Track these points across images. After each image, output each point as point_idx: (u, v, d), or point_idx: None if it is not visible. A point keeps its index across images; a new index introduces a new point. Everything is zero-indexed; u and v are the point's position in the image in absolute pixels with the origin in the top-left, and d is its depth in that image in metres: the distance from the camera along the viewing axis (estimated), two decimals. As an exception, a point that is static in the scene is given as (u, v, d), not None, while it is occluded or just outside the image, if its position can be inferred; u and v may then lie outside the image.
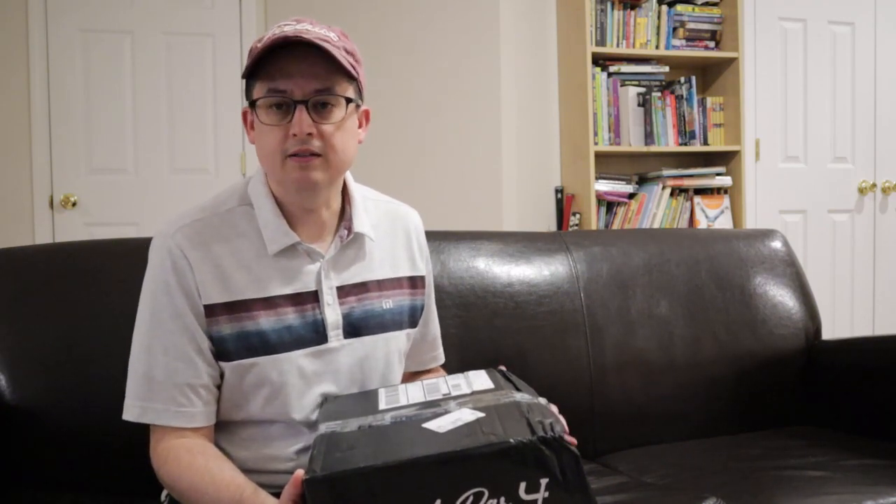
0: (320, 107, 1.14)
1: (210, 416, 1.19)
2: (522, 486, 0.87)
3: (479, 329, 1.78)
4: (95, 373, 1.48)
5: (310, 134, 1.12)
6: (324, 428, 1.01)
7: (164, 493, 1.26)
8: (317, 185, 1.16)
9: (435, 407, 1.02)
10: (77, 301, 1.55)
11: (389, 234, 1.32)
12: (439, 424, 0.95)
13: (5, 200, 3.45)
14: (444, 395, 1.07)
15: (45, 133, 3.47)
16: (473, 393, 1.06)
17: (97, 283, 1.57)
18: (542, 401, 1.03)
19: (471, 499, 0.87)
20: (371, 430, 0.98)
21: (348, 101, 1.16)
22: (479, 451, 0.87)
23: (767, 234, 2.18)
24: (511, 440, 0.88)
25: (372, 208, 1.31)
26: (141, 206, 3.55)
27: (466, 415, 0.97)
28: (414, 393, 1.10)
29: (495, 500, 0.87)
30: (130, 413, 1.17)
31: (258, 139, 1.17)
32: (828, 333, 2.16)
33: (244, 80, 1.17)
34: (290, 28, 1.13)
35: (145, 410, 1.16)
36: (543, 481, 0.88)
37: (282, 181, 1.17)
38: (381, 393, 1.14)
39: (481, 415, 0.96)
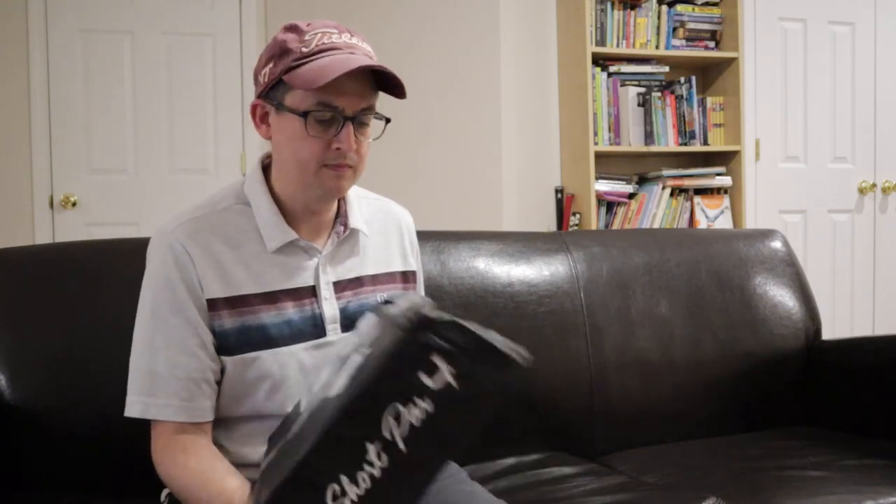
0: (360, 123, 1.17)
1: (211, 412, 1.19)
2: (423, 375, 0.85)
3: (479, 329, 1.77)
4: (95, 373, 1.48)
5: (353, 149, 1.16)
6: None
7: (164, 492, 1.27)
8: (342, 193, 1.21)
9: (342, 366, 1.01)
10: (77, 301, 1.55)
11: (382, 231, 1.34)
12: (337, 387, 0.95)
13: (5, 200, 3.45)
14: (354, 347, 1.05)
15: (45, 133, 3.47)
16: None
17: (97, 283, 1.57)
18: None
19: (392, 421, 0.86)
20: (300, 431, 0.99)
21: (387, 120, 1.21)
22: (361, 391, 0.86)
23: (767, 234, 2.18)
24: (385, 351, 0.86)
25: (365, 206, 1.34)
26: (141, 206, 3.55)
27: (355, 360, 0.96)
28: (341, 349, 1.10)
29: (413, 405, 0.86)
30: (133, 409, 1.17)
31: (291, 143, 1.17)
32: (828, 333, 2.16)
33: (275, 76, 1.16)
34: (337, 39, 1.15)
35: (148, 406, 1.16)
36: (437, 359, 0.85)
37: (309, 186, 1.19)
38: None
39: (368, 351, 0.95)
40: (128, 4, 3.55)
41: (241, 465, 1.17)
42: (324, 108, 1.13)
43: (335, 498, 0.87)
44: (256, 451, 1.21)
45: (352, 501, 0.87)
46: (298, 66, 1.13)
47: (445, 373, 0.85)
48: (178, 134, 3.63)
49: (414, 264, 1.39)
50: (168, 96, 3.61)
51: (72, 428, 1.46)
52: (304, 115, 1.13)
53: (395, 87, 1.17)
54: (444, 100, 3.68)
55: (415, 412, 0.85)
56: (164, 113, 3.61)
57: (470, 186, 3.68)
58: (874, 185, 4.21)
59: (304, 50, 1.13)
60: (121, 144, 3.57)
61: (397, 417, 0.86)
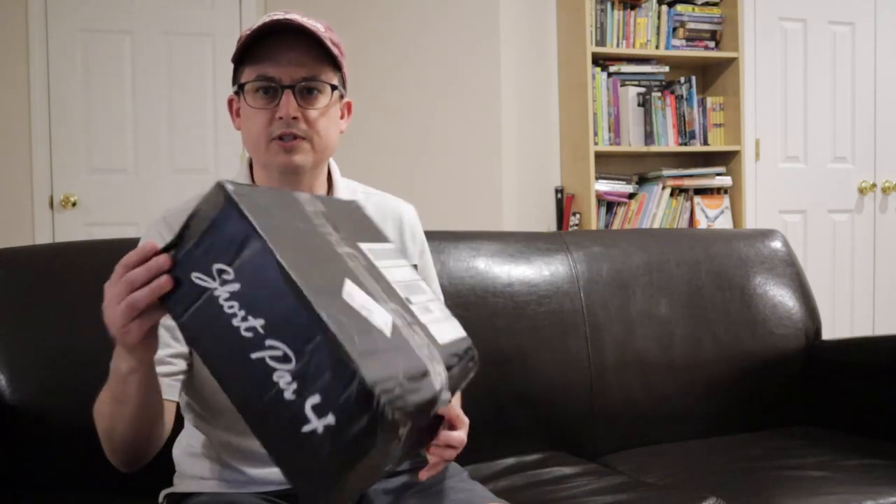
0: (306, 92, 1.17)
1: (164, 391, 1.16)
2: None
3: (479, 329, 1.77)
4: (95, 373, 1.47)
5: (295, 118, 1.16)
6: None
7: (163, 493, 1.27)
8: (300, 169, 1.20)
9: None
10: (77, 301, 1.55)
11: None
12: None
13: (5, 200, 3.45)
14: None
15: (45, 133, 3.47)
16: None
17: (97, 283, 1.55)
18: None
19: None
20: None
21: (333, 88, 1.20)
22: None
23: (767, 234, 2.18)
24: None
25: (361, 200, 1.33)
26: (141, 206, 3.55)
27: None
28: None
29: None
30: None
31: (244, 123, 1.21)
32: (828, 333, 2.16)
33: (233, 67, 1.21)
34: (279, 17, 1.17)
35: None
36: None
37: (266, 164, 1.21)
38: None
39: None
40: (128, 4, 3.55)
41: (250, 457, 1.19)
42: (261, 79, 1.16)
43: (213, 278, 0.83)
44: (249, 441, 1.20)
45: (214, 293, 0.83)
46: (241, 47, 1.17)
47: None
48: (178, 134, 3.62)
49: (416, 258, 1.36)
50: (168, 96, 3.61)
51: (72, 428, 1.46)
52: (242, 87, 1.17)
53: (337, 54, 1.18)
54: (444, 100, 3.68)
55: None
56: (164, 113, 3.61)
57: (470, 186, 3.68)
58: (874, 185, 4.21)
59: (248, 33, 1.17)
60: (121, 144, 3.56)
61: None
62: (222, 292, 0.83)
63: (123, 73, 3.56)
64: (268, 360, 0.80)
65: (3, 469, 1.44)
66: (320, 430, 0.78)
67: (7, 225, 3.43)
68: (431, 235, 1.81)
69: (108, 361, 1.47)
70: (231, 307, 0.82)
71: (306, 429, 0.78)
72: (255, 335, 0.81)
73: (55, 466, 1.46)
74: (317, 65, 1.17)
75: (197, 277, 0.83)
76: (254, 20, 3.68)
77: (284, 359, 0.80)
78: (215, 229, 0.83)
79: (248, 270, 0.82)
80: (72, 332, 1.52)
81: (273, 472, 1.20)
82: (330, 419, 0.78)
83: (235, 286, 0.82)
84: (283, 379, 0.80)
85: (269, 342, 0.80)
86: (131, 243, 1.63)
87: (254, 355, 0.81)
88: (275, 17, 1.16)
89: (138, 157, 3.59)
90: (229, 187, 0.84)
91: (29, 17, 3.43)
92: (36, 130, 3.46)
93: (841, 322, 4.12)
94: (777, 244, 2.15)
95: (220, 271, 0.83)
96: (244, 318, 0.81)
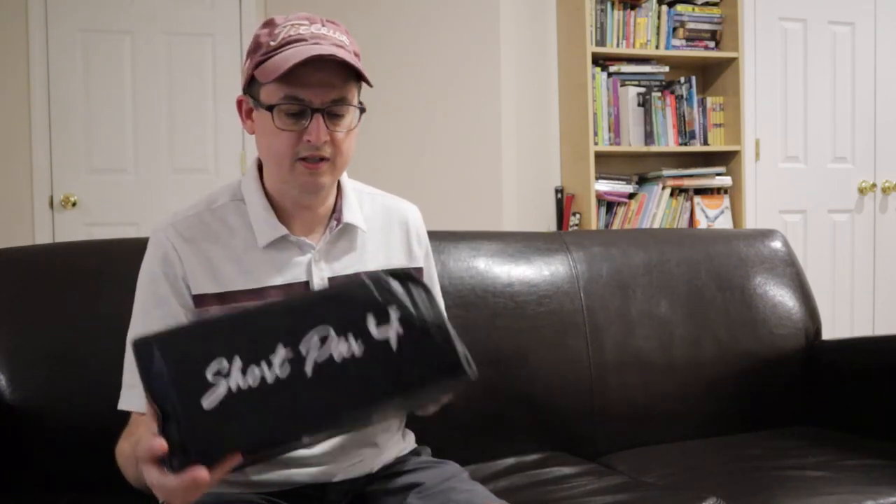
0: (334, 114, 1.16)
1: None
2: (371, 318, 0.81)
3: (479, 329, 1.78)
4: (95, 373, 1.48)
5: (325, 141, 1.15)
6: None
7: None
8: (323, 188, 1.20)
9: None
10: (77, 301, 1.55)
11: (384, 227, 1.33)
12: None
13: (5, 200, 3.45)
14: None
15: (45, 133, 3.47)
16: None
17: (97, 283, 1.57)
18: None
19: (316, 341, 0.81)
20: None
21: (361, 110, 1.19)
22: (317, 294, 0.85)
23: (767, 234, 2.18)
24: (348, 279, 0.85)
25: (368, 202, 1.33)
26: (141, 206, 3.55)
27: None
28: None
29: (345, 339, 0.81)
30: (120, 403, 1.18)
31: (265, 138, 1.18)
32: (828, 333, 2.16)
33: (249, 72, 1.18)
34: (305, 30, 1.15)
35: (123, 397, 1.18)
36: (394, 312, 0.82)
37: (287, 181, 1.19)
38: None
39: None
40: (128, 4, 3.55)
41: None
42: (290, 100, 1.14)
43: (217, 373, 0.80)
44: None
45: (227, 388, 0.80)
46: (265, 60, 1.14)
47: (392, 329, 0.81)
48: (178, 134, 3.62)
49: (421, 260, 1.36)
50: (168, 96, 3.61)
51: (72, 428, 1.46)
52: (271, 108, 1.14)
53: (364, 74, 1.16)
54: (444, 100, 3.68)
55: (342, 347, 0.81)
56: (164, 113, 3.61)
57: (470, 186, 3.68)
58: (874, 185, 4.21)
59: (272, 44, 1.14)
60: (121, 144, 3.57)
61: (323, 341, 0.81)
62: (236, 378, 0.80)
63: (123, 73, 3.56)
64: (335, 358, 0.80)
65: (4, 469, 1.44)
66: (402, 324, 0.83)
67: (7, 225, 3.43)
68: (431, 235, 1.81)
69: (108, 361, 1.47)
70: (261, 377, 0.80)
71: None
72: (297, 360, 0.80)
73: (55, 466, 1.46)
74: (345, 85, 1.16)
75: (209, 405, 0.79)
76: (254, 20, 3.70)
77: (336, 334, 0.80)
78: (174, 370, 0.80)
79: (230, 338, 0.80)
80: (72, 332, 1.52)
81: (274, 474, 1.20)
82: (396, 313, 0.82)
83: (238, 363, 0.80)
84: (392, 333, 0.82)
85: (306, 342, 0.80)
86: (131, 243, 1.64)
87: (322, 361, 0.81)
88: (301, 31, 1.13)
89: (138, 157, 3.59)
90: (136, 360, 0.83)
91: (29, 17, 3.43)
92: (36, 130, 3.46)
93: (841, 322, 4.11)
94: (777, 244, 2.15)
95: (217, 372, 0.80)
96: (271, 365, 0.80)
